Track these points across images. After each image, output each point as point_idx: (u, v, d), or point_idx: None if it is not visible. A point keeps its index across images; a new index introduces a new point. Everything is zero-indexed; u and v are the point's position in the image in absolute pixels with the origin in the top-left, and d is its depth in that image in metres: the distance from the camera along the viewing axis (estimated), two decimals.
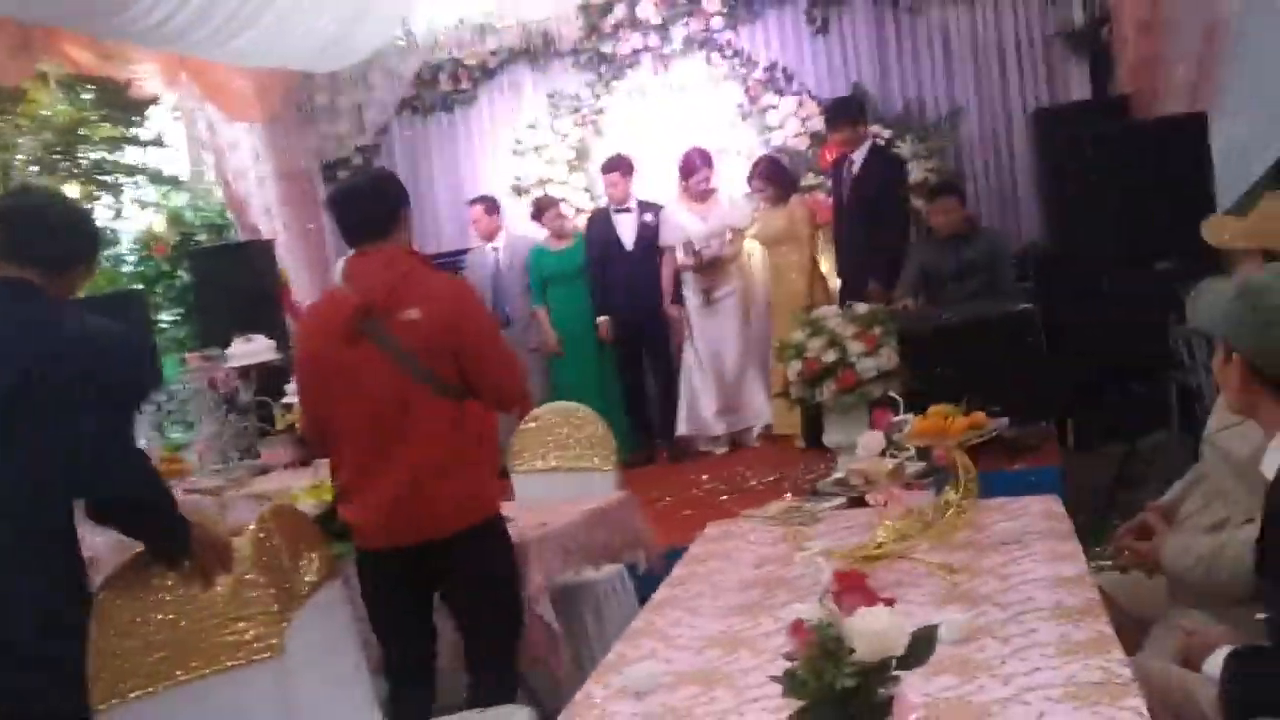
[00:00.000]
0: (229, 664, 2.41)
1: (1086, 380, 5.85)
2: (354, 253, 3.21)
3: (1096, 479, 5.54)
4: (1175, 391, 5.27)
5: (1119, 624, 2.20)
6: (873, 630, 1.47)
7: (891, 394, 2.86)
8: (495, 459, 3.33)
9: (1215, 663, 2.03)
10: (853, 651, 1.48)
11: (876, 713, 1.49)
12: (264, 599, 2.50)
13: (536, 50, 7.99)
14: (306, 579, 2.82)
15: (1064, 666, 1.92)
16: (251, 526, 2.72)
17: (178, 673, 2.35)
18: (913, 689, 1.61)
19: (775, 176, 6.74)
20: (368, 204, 3.17)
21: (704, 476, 6.31)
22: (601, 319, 6.97)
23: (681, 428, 7.01)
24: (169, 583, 2.39)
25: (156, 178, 7.67)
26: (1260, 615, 2.11)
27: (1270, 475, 1.96)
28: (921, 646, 1.52)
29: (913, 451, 2.74)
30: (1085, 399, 5.93)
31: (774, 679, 1.59)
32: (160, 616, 2.34)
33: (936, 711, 1.77)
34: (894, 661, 1.50)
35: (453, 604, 3.20)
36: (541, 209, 7.21)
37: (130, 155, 7.54)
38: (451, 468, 3.04)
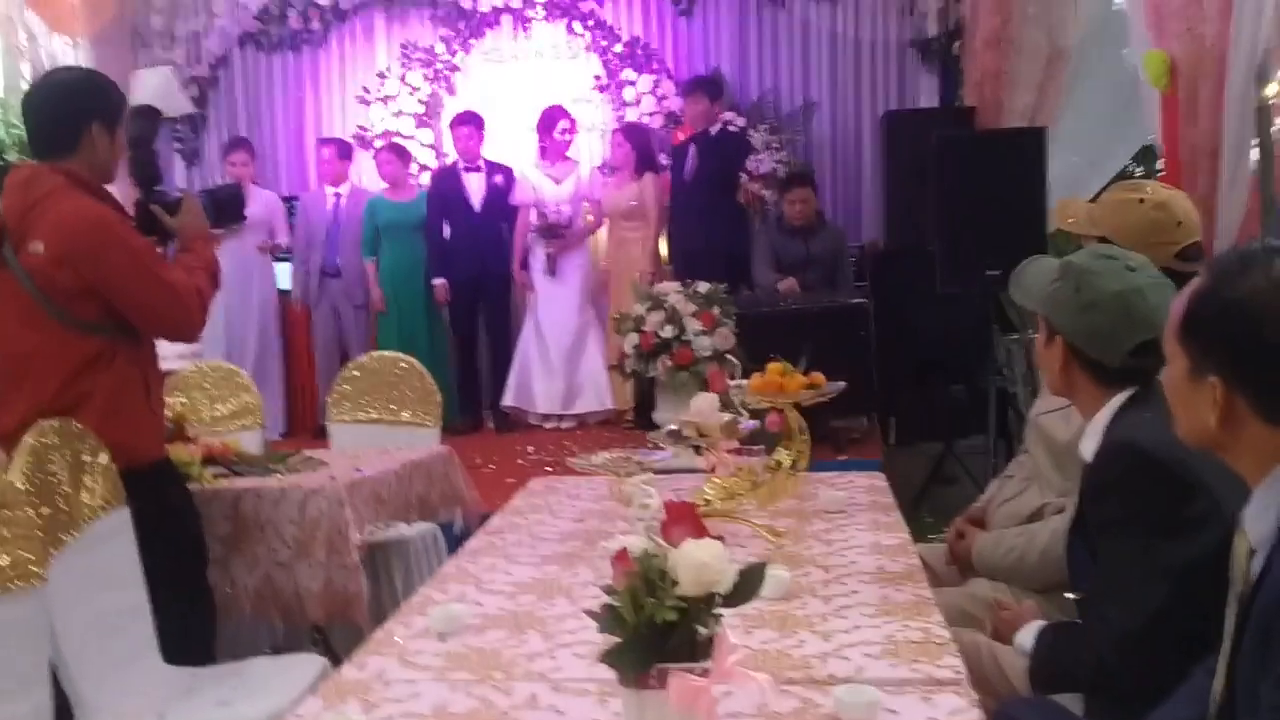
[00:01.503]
0: None
1: (909, 378, 6.00)
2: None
3: (913, 475, 5.68)
4: (994, 396, 5.43)
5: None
6: (699, 561, 1.39)
7: (729, 356, 2.80)
8: (152, 403, 2.96)
9: (1026, 637, 2.04)
10: (676, 584, 1.40)
11: (697, 651, 1.41)
12: (27, 522, 2.25)
13: None
14: (86, 503, 2.59)
15: (884, 625, 1.89)
16: (28, 439, 2.47)
17: None
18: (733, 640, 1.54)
19: (639, 144, 6.66)
20: (44, 114, 2.82)
21: (529, 447, 6.20)
22: (438, 281, 6.76)
23: (509, 398, 6.87)
24: None
25: None
26: (1070, 595, 2.14)
27: (1088, 457, 1.97)
28: (749, 583, 1.44)
29: (746, 415, 2.68)
30: (908, 397, 6.08)
31: (589, 614, 1.49)
32: None
33: (756, 661, 1.71)
34: (719, 597, 1.42)
35: None
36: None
37: None
38: (83, 410, 2.71)
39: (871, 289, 6.25)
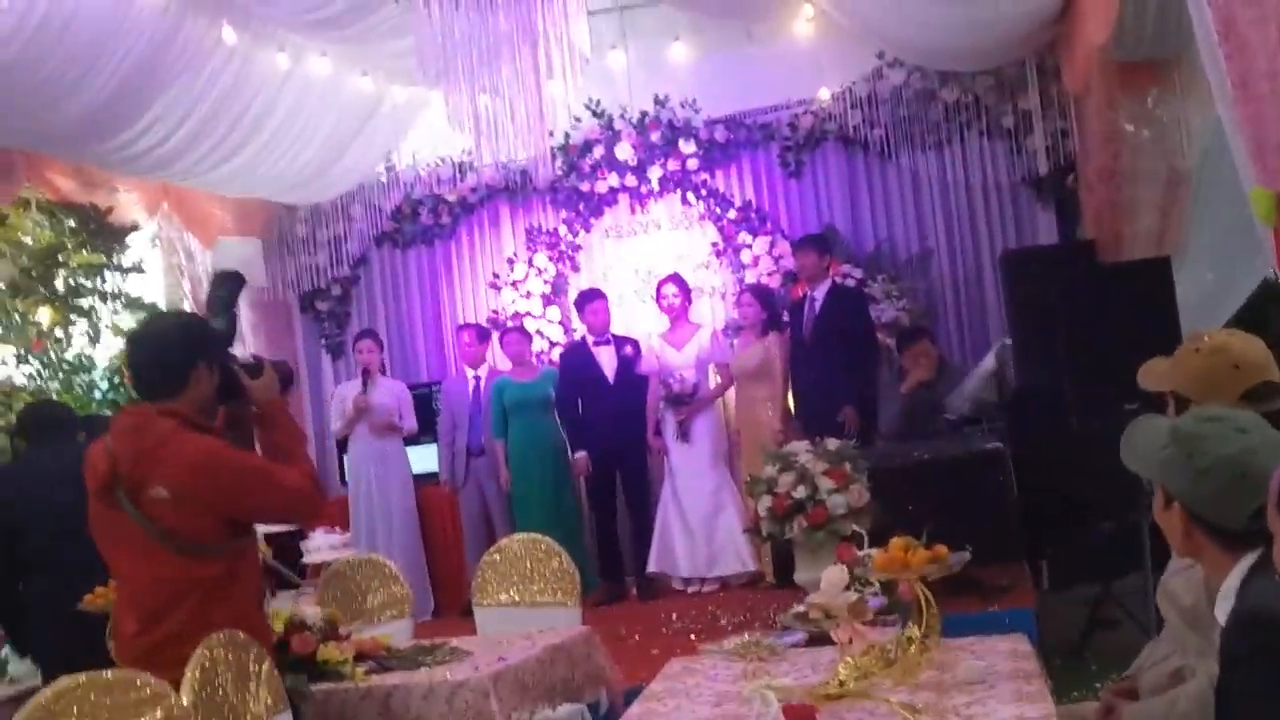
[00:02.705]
0: None
1: (1057, 520, 5.82)
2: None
3: (1071, 621, 5.47)
4: (1148, 532, 5.24)
5: None
6: None
7: (856, 528, 2.82)
8: (263, 608, 3.17)
9: None
10: None
11: None
12: None
13: (515, 187, 8.14)
14: (251, 710, 2.72)
15: None
16: (196, 654, 2.63)
17: None
18: None
19: (767, 303, 6.81)
20: (150, 360, 2.98)
21: (673, 615, 6.19)
22: (579, 455, 6.92)
23: (653, 565, 6.91)
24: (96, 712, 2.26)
25: (133, 304, 7.69)
26: None
27: (1222, 623, 1.92)
28: None
29: (877, 586, 2.69)
30: (1056, 539, 5.89)
31: None
32: None
33: None
34: None
35: None
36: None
37: (107, 281, 7.59)
38: (207, 633, 2.77)
39: (1007, 431, 6.14)
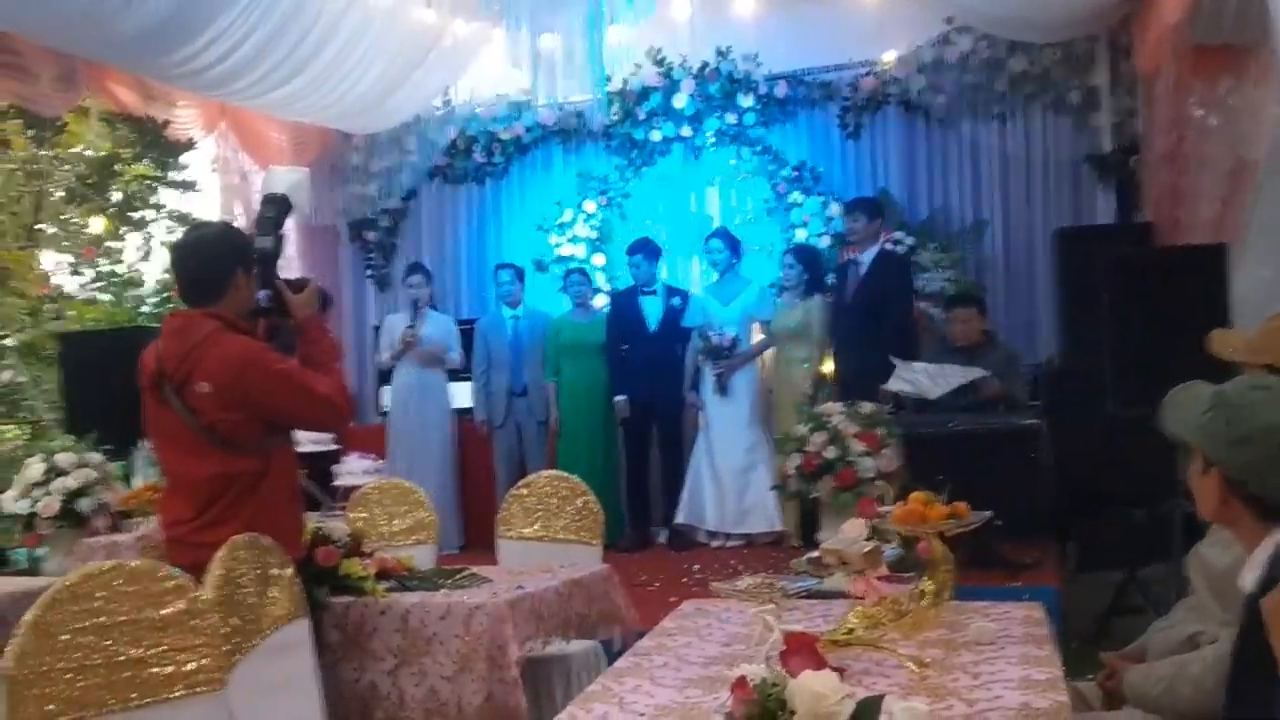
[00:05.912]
0: (166, 695, 2.33)
1: (1088, 503, 5.77)
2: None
3: (1094, 604, 5.44)
4: (1179, 521, 5.18)
5: None
6: (816, 692, 1.42)
7: (880, 483, 2.81)
8: (296, 507, 3.32)
9: None
10: (794, 713, 1.43)
11: None
12: (213, 630, 2.44)
13: (570, 130, 8.12)
14: (270, 613, 2.77)
15: None
16: (220, 553, 2.68)
17: (110, 700, 2.25)
18: None
19: (809, 265, 6.77)
20: (193, 266, 3.17)
21: (695, 566, 6.23)
22: (620, 398, 6.94)
23: (681, 516, 6.94)
24: (113, 604, 2.32)
25: (185, 220, 7.78)
26: None
27: (1248, 588, 1.91)
28: (865, 715, 1.46)
29: (896, 542, 2.69)
30: (1086, 521, 5.84)
31: None
32: (99, 640, 2.26)
33: None
34: None
35: None
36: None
37: (161, 196, 7.67)
38: (238, 521, 2.95)
39: (1047, 409, 6.08)
